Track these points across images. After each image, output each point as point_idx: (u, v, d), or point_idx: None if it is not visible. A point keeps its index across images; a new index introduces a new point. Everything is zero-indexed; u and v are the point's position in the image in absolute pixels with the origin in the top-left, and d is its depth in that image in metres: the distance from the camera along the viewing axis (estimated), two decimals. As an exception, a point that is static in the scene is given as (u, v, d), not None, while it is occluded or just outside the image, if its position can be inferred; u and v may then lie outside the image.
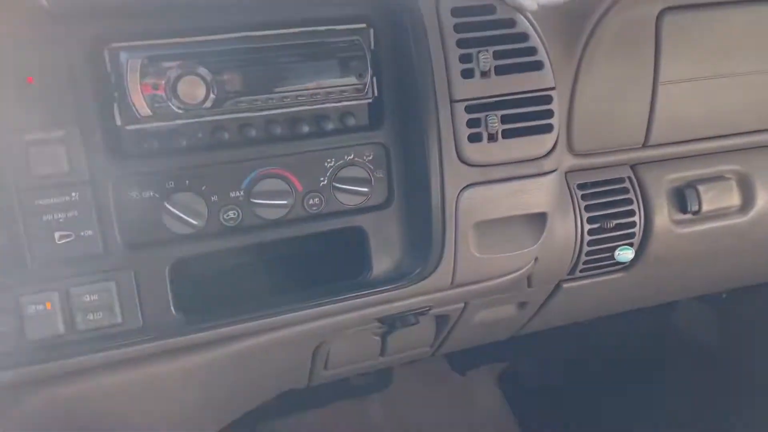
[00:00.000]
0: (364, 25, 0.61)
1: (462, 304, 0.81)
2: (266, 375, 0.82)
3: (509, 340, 1.04)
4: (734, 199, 0.83)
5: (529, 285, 0.82)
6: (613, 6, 0.71)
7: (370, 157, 0.64)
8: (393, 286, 0.65)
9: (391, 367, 1.26)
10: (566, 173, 0.78)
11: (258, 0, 0.58)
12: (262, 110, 0.60)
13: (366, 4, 0.61)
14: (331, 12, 0.61)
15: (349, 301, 0.65)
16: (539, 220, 0.68)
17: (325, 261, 0.67)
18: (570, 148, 0.77)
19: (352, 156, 0.63)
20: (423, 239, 0.65)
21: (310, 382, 0.91)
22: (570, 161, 0.78)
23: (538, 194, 0.66)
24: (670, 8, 0.75)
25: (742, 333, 1.34)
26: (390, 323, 0.70)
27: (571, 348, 1.39)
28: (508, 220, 0.66)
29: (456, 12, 0.60)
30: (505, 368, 1.38)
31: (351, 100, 0.62)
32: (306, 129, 0.62)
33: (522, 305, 0.89)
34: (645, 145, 0.80)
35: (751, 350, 1.33)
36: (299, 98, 0.60)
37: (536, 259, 0.73)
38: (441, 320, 0.86)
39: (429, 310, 0.71)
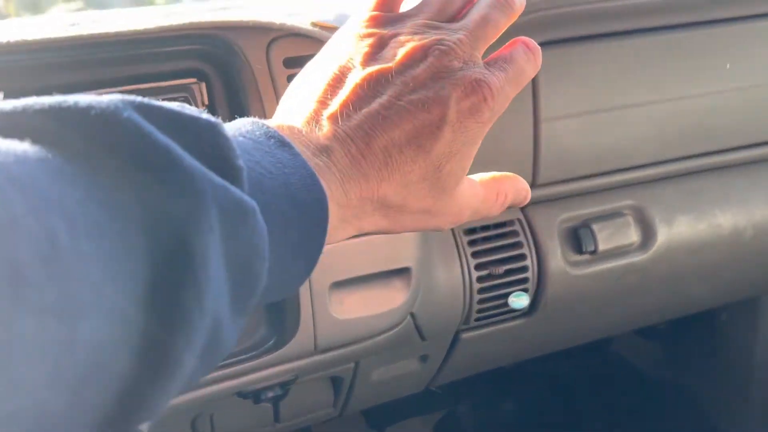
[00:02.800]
0: (194, 80, 0.57)
1: (352, 364, 0.76)
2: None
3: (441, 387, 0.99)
4: (633, 236, 0.79)
5: (423, 338, 0.77)
6: (478, 45, 0.68)
7: (217, 219, 0.60)
8: (247, 356, 0.60)
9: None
10: (452, 219, 0.75)
11: (74, 59, 0.54)
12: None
13: (196, 60, 0.57)
14: (157, 68, 0.57)
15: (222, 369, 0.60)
16: (403, 275, 0.64)
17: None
18: (453, 192, 0.74)
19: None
20: (277, 305, 0.60)
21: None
22: (454, 206, 0.74)
23: (398, 248, 0.62)
24: (545, 43, 0.72)
25: (685, 361, 1.31)
26: (254, 396, 0.65)
27: (510, 389, 1.33)
28: (369, 277, 0.62)
29: (289, 62, 0.57)
30: (442, 418, 1.32)
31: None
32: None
33: (423, 358, 0.84)
34: (534, 185, 0.76)
35: (695, 378, 1.29)
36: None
37: (413, 314, 0.69)
38: (336, 381, 0.80)
39: (295, 379, 0.66)
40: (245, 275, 0.28)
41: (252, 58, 0.56)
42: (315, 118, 0.35)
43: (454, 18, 0.39)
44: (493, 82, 0.36)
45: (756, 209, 0.83)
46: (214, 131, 0.28)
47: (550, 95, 0.73)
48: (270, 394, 0.64)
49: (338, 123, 0.35)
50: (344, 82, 0.36)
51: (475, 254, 0.74)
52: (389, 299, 0.64)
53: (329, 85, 0.37)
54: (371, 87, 0.36)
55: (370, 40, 0.37)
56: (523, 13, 0.67)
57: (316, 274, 0.59)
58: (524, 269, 0.76)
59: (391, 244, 0.61)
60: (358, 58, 0.37)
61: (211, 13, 0.57)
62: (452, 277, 0.72)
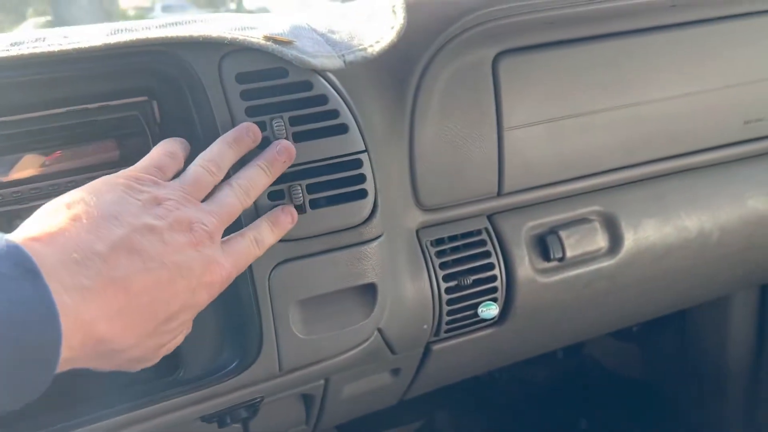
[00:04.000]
0: (145, 98, 0.56)
1: (322, 381, 0.74)
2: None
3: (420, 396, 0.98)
4: (600, 242, 0.79)
5: (393, 352, 0.76)
6: (437, 54, 0.67)
7: (173, 239, 0.58)
8: (210, 381, 0.59)
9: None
10: (418, 230, 0.74)
11: (22, 79, 0.52)
12: (30, 201, 0.53)
13: (146, 77, 0.56)
14: (106, 87, 0.55)
15: (162, 403, 0.58)
16: (369, 291, 0.62)
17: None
18: (418, 203, 0.73)
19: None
20: (239, 326, 0.59)
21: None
22: (420, 218, 0.73)
23: (363, 264, 0.60)
24: (504, 52, 0.72)
25: (659, 363, 1.32)
26: (219, 420, 0.63)
27: (486, 396, 1.33)
28: (333, 295, 0.61)
29: (241, 78, 0.55)
30: (418, 428, 1.30)
31: (140, 180, 0.56)
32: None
33: (395, 372, 0.82)
34: (500, 194, 0.76)
35: (670, 378, 1.30)
36: (71, 184, 0.54)
37: (380, 329, 0.68)
38: (307, 398, 0.79)
39: (261, 400, 0.64)
40: None
41: (203, 74, 0.54)
42: (83, 249, 0.37)
43: (205, 196, 0.47)
44: (225, 267, 0.45)
45: (721, 211, 0.84)
46: None
47: (512, 104, 0.73)
48: (236, 417, 0.62)
49: (106, 262, 0.38)
50: (119, 222, 0.40)
51: (442, 265, 0.73)
52: (355, 316, 0.62)
53: (104, 218, 0.40)
54: (144, 236, 0.40)
55: (147, 195, 0.43)
56: (481, 23, 0.67)
57: (278, 292, 0.59)
58: (493, 278, 0.75)
59: (355, 261, 0.60)
60: (135, 206, 0.41)
61: (161, 29, 0.56)
62: (420, 290, 0.71)
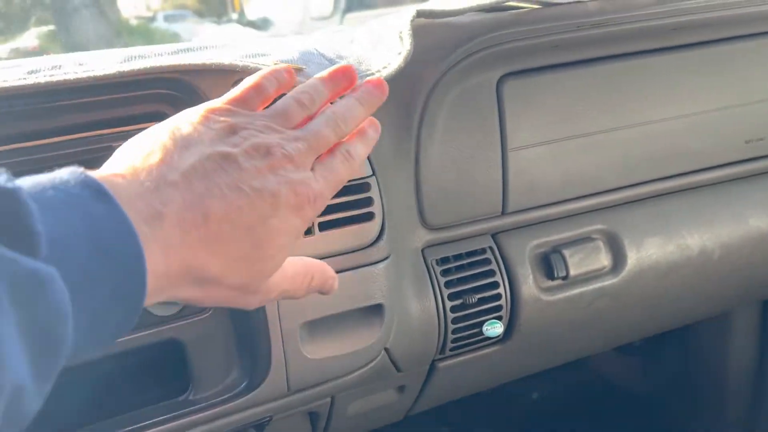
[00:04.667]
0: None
1: (328, 399, 0.75)
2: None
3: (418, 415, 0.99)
4: (603, 260, 0.80)
5: (399, 370, 0.76)
6: (443, 78, 0.69)
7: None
8: (220, 401, 0.59)
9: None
10: (423, 249, 0.75)
11: (36, 106, 0.53)
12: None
13: (159, 103, 0.57)
14: (120, 113, 0.56)
15: (173, 423, 0.59)
16: (376, 312, 0.63)
17: (145, 381, 0.61)
18: (424, 223, 0.74)
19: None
20: (248, 346, 0.60)
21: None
22: (426, 237, 0.74)
23: (370, 286, 0.61)
24: (509, 74, 0.73)
25: (662, 377, 1.32)
26: (227, 439, 0.64)
27: (490, 412, 1.33)
28: (341, 316, 0.62)
29: (251, 104, 0.56)
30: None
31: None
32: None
33: (401, 389, 0.83)
34: (504, 213, 0.77)
35: (673, 393, 1.30)
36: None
37: (387, 349, 0.68)
38: (313, 416, 0.79)
39: (270, 419, 0.65)
40: (46, 341, 0.29)
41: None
42: (155, 179, 0.37)
43: (296, 126, 0.44)
44: (316, 188, 0.42)
45: (722, 229, 0.85)
46: (11, 198, 0.29)
47: (516, 125, 0.74)
48: (244, 437, 0.63)
49: (178, 189, 0.37)
50: (192, 151, 0.38)
51: (448, 284, 0.74)
52: (362, 337, 0.63)
53: (176, 147, 0.38)
54: (217, 163, 0.38)
55: (222, 124, 0.41)
56: (486, 48, 0.69)
57: (287, 313, 0.60)
58: (497, 297, 0.76)
59: (363, 282, 0.61)
60: (209, 135, 0.40)
61: (174, 56, 0.57)
62: (426, 308, 0.72)
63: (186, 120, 0.41)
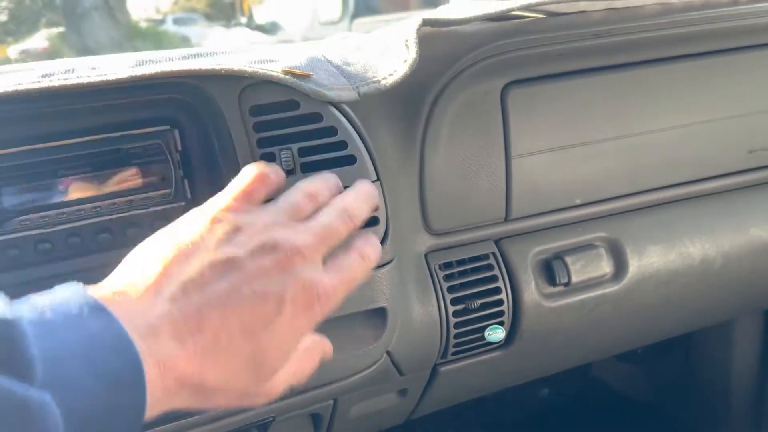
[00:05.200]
0: (167, 127, 0.58)
1: (331, 401, 0.76)
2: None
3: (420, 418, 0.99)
4: (605, 268, 0.80)
5: (401, 374, 0.77)
6: (448, 85, 0.70)
7: (193, 262, 0.60)
8: (224, 400, 0.60)
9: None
10: (427, 254, 0.75)
11: (47, 109, 0.55)
12: (56, 225, 0.55)
13: (169, 107, 0.58)
14: (130, 116, 0.57)
15: (178, 422, 0.59)
16: (379, 315, 0.64)
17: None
18: (427, 228, 0.75)
19: (171, 262, 0.59)
20: (252, 347, 0.60)
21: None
22: (429, 241, 0.75)
23: (374, 289, 0.62)
24: (513, 82, 0.74)
25: (664, 384, 1.32)
26: (231, 439, 0.65)
27: (491, 416, 1.34)
28: (344, 318, 0.62)
29: (255, 111, 0.57)
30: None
31: (161, 205, 0.58)
32: (112, 239, 0.58)
33: (402, 392, 0.84)
34: (507, 219, 0.78)
35: (675, 401, 1.30)
36: (96, 209, 0.56)
37: (389, 352, 0.69)
38: (315, 417, 0.80)
39: (273, 420, 0.66)
40: None
41: (225, 106, 0.57)
42: (153, 290, 0.36)
43: (303, 219, 0.43)
44: (327, 285, 0.40)
45: (724, 238, 0.85)
46: (9, 326, 0.30)
47: (520, 133, 0.75)
48: (247, 437, 0.64)
49: (176, 301, 0.36)
50: (193, 260, 0.38)
51: (450, 289, 0.75)
52: (365, 339, 0.64)
53: (177, 257, 0.38)
54: (218, 270, 0.37)
55: (226, 226, 0.40)
56: (491, 56, 0.70)
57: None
58: (499, 302, 0.76)
59: (366, 285, 0.62)
60: (212, 240, 0.39)
61: (184, 61, 0.58)
62: (428, 313, 0.73)
63: (191, 225, 0.40)
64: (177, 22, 9.96)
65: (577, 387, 1.40)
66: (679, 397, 1.30)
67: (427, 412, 0.94)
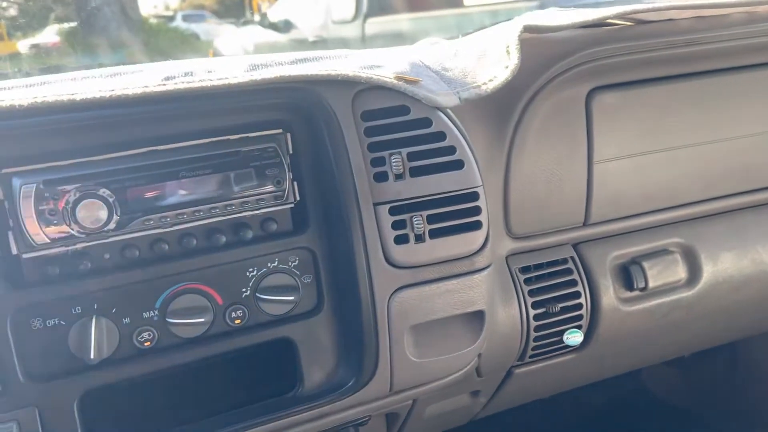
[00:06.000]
0: (279, 131, 0.59)
1: (410, 402, 0.77)
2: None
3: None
4: (680, 273, 0.81)
5: (479, 375, 0.78)
6: (540, 91, 0.70)
7: (296, 263, 0.61)
8: (327, 399, 0.61)
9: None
10: (507, 257, 0.76)
11: (167, 112, 0.55)
12: (173, 225, 0.56)
13: (282, 110, 0.59)
14: (244, 119, 0.58)
15: (281, 420, 0.60)
16: (477, 318, 0.65)
17: (253, 377, 0.63)
18: (509, 232, 0.75)
19: (276, 263, 0.60)
20: (356, 347, 0.61)
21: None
22: (510, 245, 0.76)
23: (473, 292, 0.63)
24: (598, 88, 0.75)
25: (707, 392, 1.32)
26: (329, 437, 0.66)
27: (536, 420, 1.34)
28: (444, 321, 0.63)
29: (366, 116, 0.58)
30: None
31: (271, 207, 0.59)
32: (224, 239, 0.59)
33: (475, 393, 0.85)
34: (585, 224, 0.79)
35: (719, 410, 1.31)
36: (213, 210, 0.57)
37: (480, 354, 0.70)
38: (391, 417, 0.81)
39: (368, 419, 0.66)
40: None
41: (339, 110, 0.57)
42: None
43: None
44: None
45: (796, 245, 0.86)
46: None
47: (603, 138, 0.76)
48: (345, 436, 0.65)
49: None
50: None
51: (531, 292, 0.76)
52: (462, 341, 0.65)
53: None
54: None
55: None
56: (584, 62, 0.70)
57: (395, 316, 0.61)
58: (579, 306, 0.77)
59: (467, 289, 0.63)
60: None
61: (295, 66, 0.59)
62: (511, 316, 0.74)
63: None
64: (186, 18, 9.95)
65: (617, 390, 1.40)
66: (720, 405, 1.30)
67: (491, 413, 0.95)
